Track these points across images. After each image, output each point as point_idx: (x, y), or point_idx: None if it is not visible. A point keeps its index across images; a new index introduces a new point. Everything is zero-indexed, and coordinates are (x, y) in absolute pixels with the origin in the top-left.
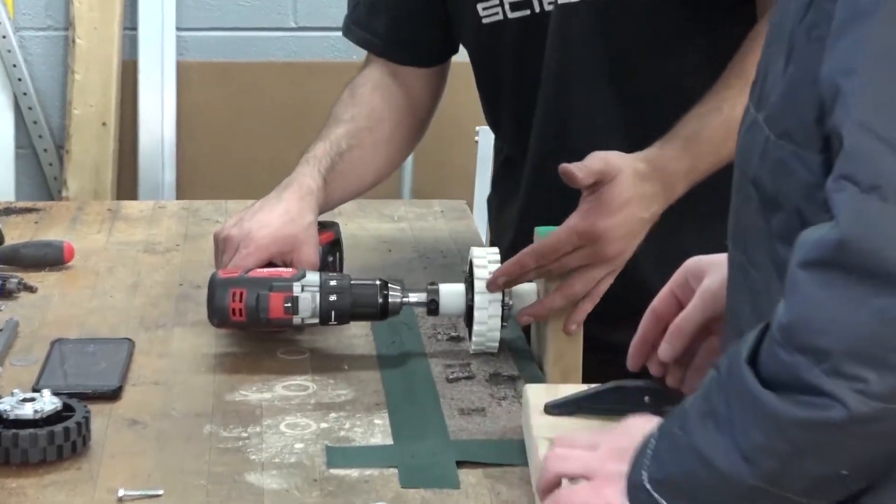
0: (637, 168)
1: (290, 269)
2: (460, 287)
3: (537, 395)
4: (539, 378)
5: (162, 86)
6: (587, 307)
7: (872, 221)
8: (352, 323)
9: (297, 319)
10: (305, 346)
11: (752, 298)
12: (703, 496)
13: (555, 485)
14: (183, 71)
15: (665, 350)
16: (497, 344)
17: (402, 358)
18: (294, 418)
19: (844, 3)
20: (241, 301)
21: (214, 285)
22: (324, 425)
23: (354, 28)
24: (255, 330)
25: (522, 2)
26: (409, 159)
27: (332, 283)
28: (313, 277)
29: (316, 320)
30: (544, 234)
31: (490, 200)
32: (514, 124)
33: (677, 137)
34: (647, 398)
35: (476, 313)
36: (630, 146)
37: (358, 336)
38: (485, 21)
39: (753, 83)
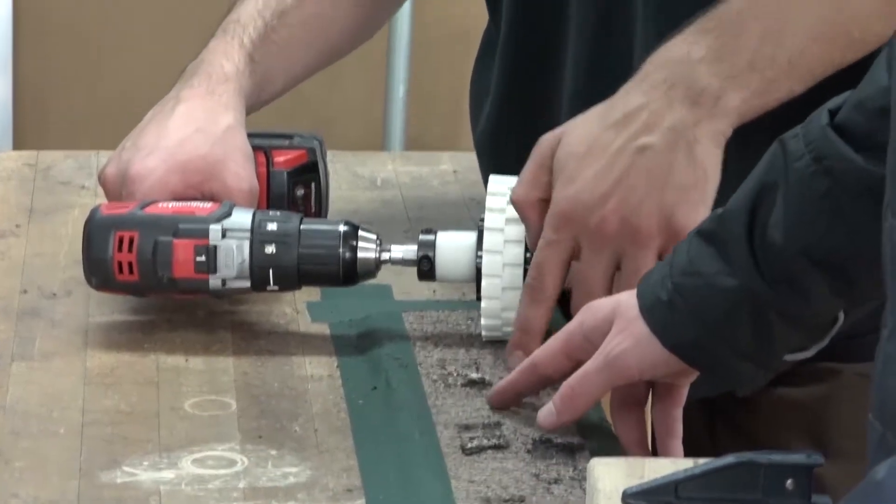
0: (604, 102)
1: (211, 205)
2: (468, 238)
3: (611, 475)
4: (612, 441)
5: None
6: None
7: None
8: (308, 359)
9: (215, 281)
10: (229, 394)
11: None
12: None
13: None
14: None
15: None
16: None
17: (389, 413)
18: None
19: None
20: (131, 250)
21: (93, 226)
22: None
23: None
24: (153, 296)
25: None
26: (401, 92)
27: (271, 226)
28: (242, 217)
29: (246, 283)
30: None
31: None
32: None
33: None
34: (789, 481)
35: (485, 282)
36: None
37: (317, 378)
38: None
39: None
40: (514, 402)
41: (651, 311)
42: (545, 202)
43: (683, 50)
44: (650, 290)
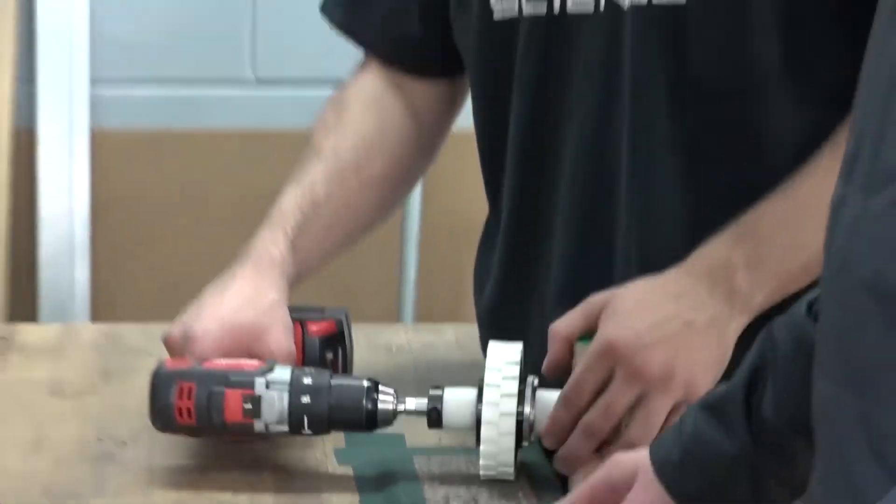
0: (654, 276)
1: (256, 362)
2: (470, 393)
3: None
4: None
5: (70, 162)
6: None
7: None
8: (335, 496)
9: (259, 425)
10: None
11: (878, 449)
12: None
13: None
14: (99, 142)
15: None
16: (512, 469)
17: None
18: None
19: None
20: (190, 398)
21: (158, 378)
22: None
23: (340, 13)
24: (207, 436)
25: None
26: (412, 273)
27: (307, 380)
28: (282, 373)
29: (285, 427)
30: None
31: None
32: (519, 169)
33: (725, 230)
34: None
35: (483, 429)
36: (687, 203)
37: None
38: (496, 16)
39: (850, 161)
40: None
41: (663, 468)
42: (571, 343)
43: (724, 254)
44: (664, 451)
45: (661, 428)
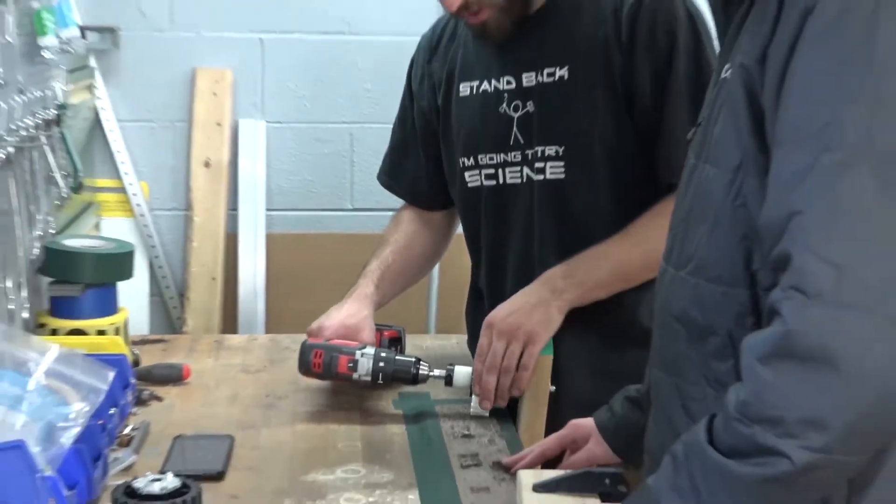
0: (527, 289)
1: (355, 343)
2: (467, 369)
3: (527, 477)
4: (517, 443)
5: (255, 251)
6: (524, 376)
7: (817, 320)
8: (391, 426)
9: (355, 376)
10: (357, 441)
11: (685, 405)
12: None
13: None
14: (271, 240)
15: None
16: (488, 413)
17: (428, 450)
18: (350, 494)
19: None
20: (319, 359)
21: (304, 347)
22: (371, 499)
23: (385, 178)
24: (326, 380)
25: (493, 172)
26: (434, 296)
27: (383, 354)
28: (370, 350)
29: (369, 378)
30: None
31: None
32: (487, 272)
33: (568, 261)
34: (607, 481)
35: (474, 388)
36: (560, 259)
37: (396, 434)
38: (470, 184)
39: (669, 250)
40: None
41: (605, 432)
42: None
43: (553, 272)
44: (604, 421)
45: (518, 362)
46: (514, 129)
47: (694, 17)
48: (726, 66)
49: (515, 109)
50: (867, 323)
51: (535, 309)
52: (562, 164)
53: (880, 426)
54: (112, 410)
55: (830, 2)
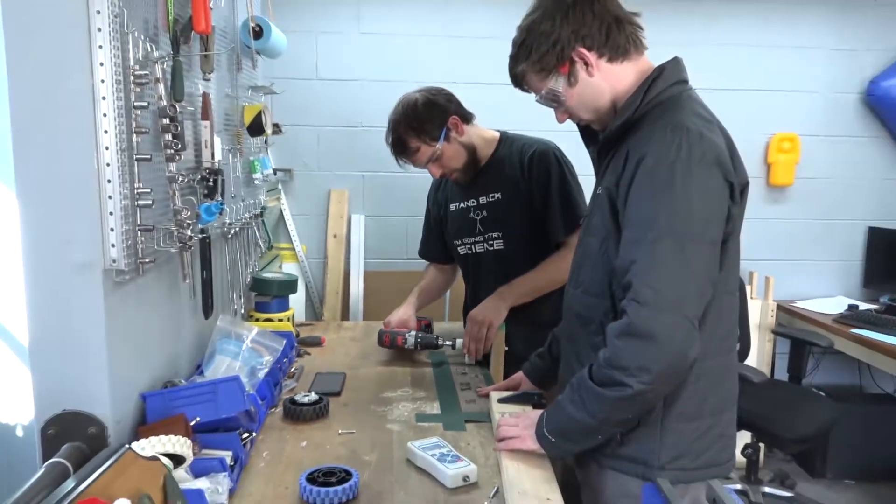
0: (489, 298)
1: (406, 328)
2: (463, 339)
3: (496, 396)
4: (490, 379)
5: (358, 280)
6: (490, 342)
7: (645, 316)
8: (424, 368)
9: (406, 346)
10: (408, 376)
11: (578, 359)
12: (572, 435)
13: (503, 437)
14: (367, 275)
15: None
16: (473, 362)
17: (444, 381)
18: (405, 403)
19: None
20: (388, 337)
21: (380, 332)
22: (414, 406)
23: (423, 250)
24: (391, 348)
25: (469, 246)
26: (447, 304)
27: (420, 334)
28: (414, 332)
29: (413, 347)
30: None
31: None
32: (471, 291)
33: (510, 283)
34: (535, 397)
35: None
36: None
37: (427, 373)
38: (460, 252)
39: (571, 278)
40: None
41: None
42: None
43: (504, 288)
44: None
45: (486, 339)
46: (478, 224)
47: (562, 162)
48: (599, 188)
49: (477, 214)
50: (671, 318)
51: (493, 307)
52: (503, 241)
53: (677, 372)
54: (284, 360)
55: (650, 157)
